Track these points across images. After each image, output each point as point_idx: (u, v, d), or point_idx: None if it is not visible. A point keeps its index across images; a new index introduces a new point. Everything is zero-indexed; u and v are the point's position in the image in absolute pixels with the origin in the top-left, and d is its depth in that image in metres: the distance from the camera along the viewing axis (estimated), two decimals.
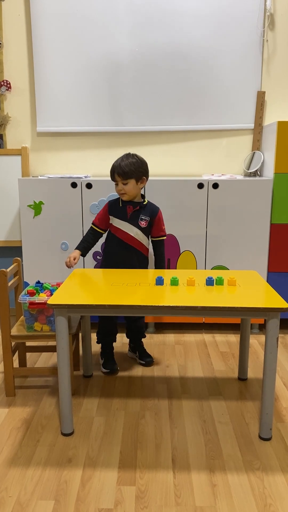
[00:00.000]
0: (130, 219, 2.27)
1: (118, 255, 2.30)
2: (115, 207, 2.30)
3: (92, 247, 2.36)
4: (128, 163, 2.19)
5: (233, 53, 2.95)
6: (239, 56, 2.96)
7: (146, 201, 2.32)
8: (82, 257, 2.37)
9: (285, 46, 2.98)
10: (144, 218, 2.29)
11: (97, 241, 2.37)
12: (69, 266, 2.27)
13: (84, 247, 2.33)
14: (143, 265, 2.35)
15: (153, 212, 2.32)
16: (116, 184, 2.24)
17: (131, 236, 2.28)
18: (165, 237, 2.38)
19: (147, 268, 2.38)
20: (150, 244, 2.39)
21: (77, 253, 2.30)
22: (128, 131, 3.08)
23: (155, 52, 2.95)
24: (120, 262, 2.27)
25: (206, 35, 2.93)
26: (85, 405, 2.07)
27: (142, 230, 2.29)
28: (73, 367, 2.13)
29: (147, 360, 2.46)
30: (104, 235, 2.38)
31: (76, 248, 2.33)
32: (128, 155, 2.23)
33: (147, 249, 2.36)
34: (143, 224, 2.29)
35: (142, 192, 2.38)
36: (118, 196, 2.31)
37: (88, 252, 2.36)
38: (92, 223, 2.36)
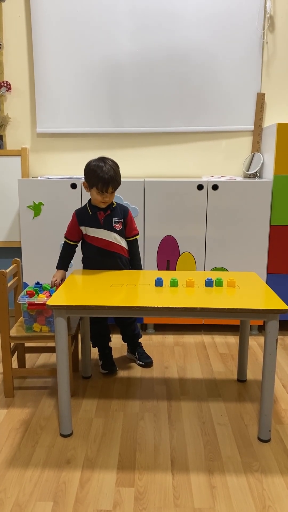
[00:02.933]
0: (104, 225, 2.22)
1: (101, 263, 2.24)
2: (84, 217, 2.24)
3: (72, 259, 2.33)
4: (118, 173, 2.14)
5: (233, 55, 2.96)
6: (239, 58, 2.96)
7: (115, 203, 2.27)
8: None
9: (285, 48, 2.98)
10: (117, 220, 2.24)
11: (74, 252, 2.33)
12: (54, 286, 2.23)
13: (65, 263, 2.31)
14: (127, 267, 2.32)
15: (124, 213, 2.28)
16: (101, 194, 2.14)
17: (110, 242, 2.23)
18: (138, 235, 2.35)
19: (130, 268, 2.35)
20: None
21: (61, 273, 2.28)
22: (128, 133, 3.08)
23: (155, 54, 2.96)
24: (105, 269, 2.23)
25: (206, 37, 2.93)
26: (84, 406, 2.07)
27: (118, 232, 2.25)
28: (72, 368, 2.13)
29: (146, 361, 2.45)
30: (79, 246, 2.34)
31: (58, 268, 2.29)
32: (109, 162, 2.14)
33: (127, 250, 2.32)
34: (118, 226, 2.24)
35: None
36: (84, 204, 2.28)
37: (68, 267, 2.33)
38: (65, 236, 2.30)
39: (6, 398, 2.13)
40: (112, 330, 2.61)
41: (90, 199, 2.25)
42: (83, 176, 2.21)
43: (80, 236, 2.29)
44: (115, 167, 2.15)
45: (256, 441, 1.81)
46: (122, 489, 1.54)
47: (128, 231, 2.30)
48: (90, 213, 2.23)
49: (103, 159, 2.15)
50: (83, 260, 2.35)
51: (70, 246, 2.31)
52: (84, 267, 2.34)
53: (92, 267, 2.27)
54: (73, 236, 2.28)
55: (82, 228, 2.25)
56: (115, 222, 2.24)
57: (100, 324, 2.38)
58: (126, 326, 2.42)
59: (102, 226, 2.22)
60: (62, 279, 2.26)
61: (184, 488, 1.55)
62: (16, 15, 2.97)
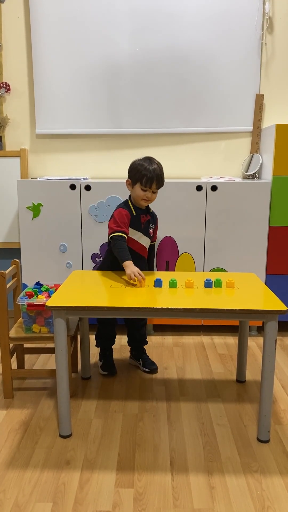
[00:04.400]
0: (143, 229, 2.22)
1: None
2: (132, 216, 2.17)
3: None
4: (163, 172, 2.13)
5: (232, 56, 2.96)
6: (238, 59, 2.97)
7: (151, 208, 2.29)
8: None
9: (283, 49, 2.99)
10: (152, 226, 2.27)
11: None
12: (140, 284, 1.96)
13: (130, 256, 2.09)
14: (147, 269, 2.33)
15: (156, 219, 2.31)
16: (144, 190, 2.12)
17: (143, 246, 2.23)
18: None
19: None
20: None
21: (132, 264, 2.03)
22: (127, 133, 3.08)
23: (154, 55, 2.96)
24: None
25: (205, 38, 2.94)
26: (83, 407, 2.07)
27: (151, 238, 2.27)
28: (71, 369, 2.13)
29: (151, 367, 2.40)
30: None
31: (128, 259, 2.04)
32: (155, 161, 2.14)
33: None
34: (151, 232, 2.26)
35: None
36: (124, 201, 2.22)
37: None
38: (121, 232, 2.10)
39: (6, 399, 2.13)
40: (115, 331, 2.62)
41: (130, 198, 2.22)
42: (127, 175, 2.17)
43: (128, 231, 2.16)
44: (161, 166, 2.15)
45: (255, 441, 1.82)
46: (121, 490, 1.54)
47: (154, 236, 2.32)
48: (134, 214, 2.19)
49: (150, 158, 2.17)
50: (106, 259, 2.26)
51: (125, 239, 2.11)
52: (105, 266, 2.25)
53: (117, 267, 2.15)
54: (127, 230, 2.14)
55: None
56: (151, 228, 2.26)
57: (109, 326, 2.37)
58: (136, 329, 2.41)
59: (141, 230, 2.21)
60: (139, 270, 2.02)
61: (183, 489, 1.55)
62: (15, 16, 2.97)
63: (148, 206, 2.27)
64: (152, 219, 2.29)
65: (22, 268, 2.83)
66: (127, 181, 2.20)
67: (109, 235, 2.16)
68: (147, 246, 2.28)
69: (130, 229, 2.17)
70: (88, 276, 2.19)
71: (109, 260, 2.24)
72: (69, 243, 2.81)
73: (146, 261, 2.32)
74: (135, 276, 1.95)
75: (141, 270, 2.07)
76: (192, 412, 2.03)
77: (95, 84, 3.01)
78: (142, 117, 3.04)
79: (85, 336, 2.31)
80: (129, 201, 2.23)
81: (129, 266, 2.01)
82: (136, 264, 2.06)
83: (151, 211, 2.29)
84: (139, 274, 1.95)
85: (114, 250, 2.10)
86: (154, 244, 2.38)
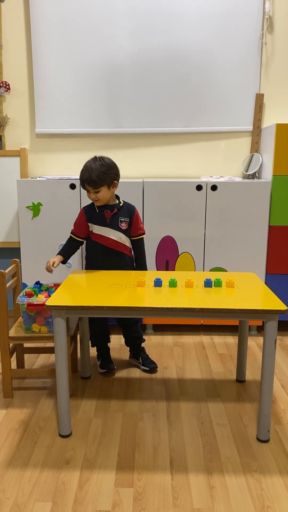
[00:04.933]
0: (110, 224, 2.23)
1: (105, 262, 2.24)
2: (92, 214, 2.24)
3: (72, 255, 2.32)
4: (97, 171, 2.11)
5: (232, 56, 2.96)
6: (238, 59, 2.97)
7: (122, 202, 2.28)
8: (63, 264, 2.30)
9: (283, 49, 2.99)
10: (123, 219, 2.25)
11: (78, 249, 2.32)
12: (49, 270, 2.20)
13: (66, 254, 2.28)
14: (131, 266, 2.33)
15: (130, 212, 2.28)
16: (88, 192, 2.18)
17: (115, 241, 2.24)
18: (144, 235, 2.35)
19: (134, 267, 2.35)
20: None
21: (58, 258, 2.24)
22: (127, 133, 3.08)
23: (154, 54, 2.96)
24: (108, 269, 2.22)
25: (205, 38, 2.94)
26: (83, 406, 2.07)
27: (124, 232, 2.26)
28: (71, 369, 2.13)
29: (151, 366, 2.41)
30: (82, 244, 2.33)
31: (58, 254, 2.27)
32: (95, 160, 2.15)
33: (131, 249, 2.33)
34: (123, 226, 2.25)
35: (116, 193, 2.30)
36: (92, 202, 2.27)
37: (68, 260, 2.32)
38: (72, 232, 2.29)
39: (5, 399, 2.13)
40: (112, 331, 2.62)
41: None
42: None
43: (87, 233, 2.28)
44: (98, 166, 2.12)
45: (255, 441, 1.82)
46: (121, 489, 1.54)
47: (133, 230, 2.30)
48: (97, 211, 2.24)
49: (93, 158, 2.18)
50: (86, 258, 2.35)
51: (77, 242, 2.30)
52: (87, 265, 2.34)
53: (95, 265, 2.27)
54: (81, 232, 2.27)
55: (89, 224, 2.25)
56: (121, 222, 2.25)
57: (100, 324, 2.37)
58: (128, 327, 2.41)
59: (108, 225, 2.23)
60: (56, 262, 2.22)
61: (183, 489, 1.55)
62: (15, 15, 2.97)
63: (118, 200, 2.27)
64: (122, 212, 2.25)
65: (21, 268, 2.83)
66: None
67: None
68: (123, 241, 2.26)
69: (95, 226, 2.24)
70: (88, 275, 2.19)
71: (89, 258, 2.34)
72: None
73: (127, 258, 2.30)
74: (50, 262, 2.19)
75: (118, 266, 2.24)
76: (192, 412, 2.03)
77: (95, 83, 3.00)
78: (142, 117, 3.04)
79: (85, 336, 2.31)
80: None
81: (53, 257, 2.25)
82: (112, 260, 2.25)
83: (121, 204, 2.27)
84: (51, 263, 2.19)
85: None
86: (140, 239, 2.33)
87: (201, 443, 1.80)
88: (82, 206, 2.75)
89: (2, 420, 1.96)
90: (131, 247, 2.33)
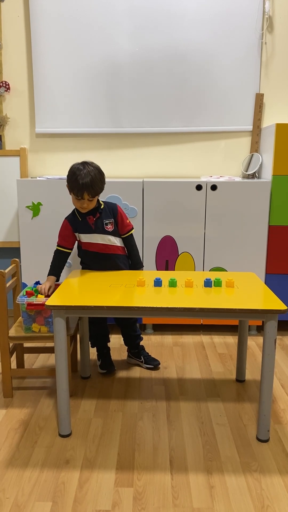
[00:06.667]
0: (96, 229, 2.20)
1: (100, 267, 2.23)
2: (76, 223, 2.20)
3: (63, 268, 2.26)
4: (95, 180, 2.06)
5: (231, 56, 2.96)
6: (238, 59, 2.96)
7: (102, 203, 2.24)
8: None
9: (283, 49, 2.99)
10: (108, 221, 2.21)
11: (66, 261, 2.28)
12: (46, 296, 2.11)
13: (56, 272, 2.22)
14: (127, 265, 2.32)
15: (113, 211, 2.24)
16: (78, 199, 2.11)
17: (105, 245, 2.22)
18: (133, 230, 2.31)
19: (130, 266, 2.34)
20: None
21: (52, 280, 2.18)
22: (127, 133, 3.08)
23: (154, 54, 2.96)
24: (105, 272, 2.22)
25: (205, 38, 2.94)
26: (83, 406, 2.07)
27: (112, 233, 2.23)
28: (71, 368, 2.13)
29: (154, 363, 2.41)
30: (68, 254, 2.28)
31: (50, 275, 2.21)
32: (88, 166, 2.07)
33: (123, 247, 2.31)
34: (110, 228, 2.22)
35: None
36: (72, 210, 2.23)
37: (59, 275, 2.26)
38: (58, 245, 2.23)
39: (5, 398, 2.13)
40: (112, 331, 2.62)
41: None
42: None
43: (74, 243, 2.26)
44: (95, 173, 2.07)
45: (255, 441, 1.82)
46: (121, 489, 1.54)
47: (120, 228, 2.26)
48: (80, 219, 2.20)
49: (84, 163, 2.10)
50: (81, 266, 2.34)
51: (64, 254, 2.24)
52: (83, 265, 2.34)
53: (91, 265, 2.27)
54: (68, 243, 2.23)
55: (76, 234, 2.23)
56: (106, 224, 2.21)
57: (99, 324, 2.37)
58: (126, 327, 2.41)
59: (94, 231, 2.20)
60: (52, 287, 2.16)
61: (183, 488, 1.55)
62: (15, 15, 2.97)
63: (98, 202, 2.21)
64: (105, 213, 2.22)
65: (21, 267, 2.83)
66: (67, 185, 2.17)
67: None
68: (113, 242, 2.24)
69: (82, 235, 2.21)
70: (88, 275, 2.19)
71: (84, 266, 2.33)
72: None
73: (121, 258, 2.28)
74: (42, 290, 2.13)
75: (115, 267, 2.23)
76: (192, 412, 2.03)
77: (95, 83, 3.00)
78: (142, 117, 3.04)
79: (85, 336, 2.31)
80: (75, 208, 2.23)
81: (47, 280, 2.19)
82: (102, 264, 2.23)
83: (102, 206, 2.22)
84: (46, 290, 2.12)
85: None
86: (128, 236, 2.30)
87: (201, 443, 1.80)
88: None
89: (2, 419, 1.96)
90: (123, 245, 2.30)
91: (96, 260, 2.24)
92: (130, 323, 2.41)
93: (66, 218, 2.26)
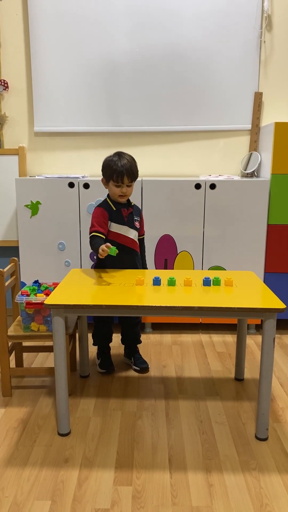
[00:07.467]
0: (128, 222, 2.23)
1: (120, 261, 2.19)
2: (111, 212, 2.20)
3: None
4: (133, 164, 2.14)
5: (230, 54, 2.96)
6: (237, 57, 2.96)
7: (133, 202, 2.30)
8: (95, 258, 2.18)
9: (282, 47, 2.99)
10: (136, 219, 2.28)
11: None
12: (104, 254, 1.99)
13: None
14: (140, 264, 2.34)
15: (139, 212, 2.33)
16: (118, 186, 2.15)
17: (131, 239, 2.24)
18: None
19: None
20: None
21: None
22: (126, 131, 3.08)
23: (153, 52, 2.95)
24: (125, 268, 2.20)
25: (204, 36, 2.93)
26: (81, 405, 2.07)
27: (137, 230, 2.29)
28: (70, 367, 2.13)
29: (142, 366, 2.39)
30: None
31: (100, 244, 2.04)
32: (125, 155, 2.17)
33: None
34: (137, 224, 2.28)
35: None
36: (103, 200, 2.24)
37: None
38: (95, 231, 2.14)
39: (4, 397, 2.13)
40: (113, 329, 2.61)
41: (108, 196, 2.25)
42: (101, 173, 2.20)
43: (107, 231, 2.19)
44: (131, 160, 2.16)
45: (254, 439, 1.82)
46: (120, 487, 1.55)
47: (141, 230, 2.34)
48: (114, 209, 2.21)
49: (119, 153, 2.18)
50: (98, 258, 2.25)
51: (103, 240, 2.13)
52: (98, 264, 2.26)
53: (109, 264, 2.19)
54: (105, 229, 2.17)
55: (109, 223, 2.20)
56: (135, 220, 2.27)
57: (106, 324, 2.36)
58: (130, 328, 2.41)
59: (126, 223, 2.22)
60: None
61: (181, 487, 1.55)
62: (14, 13, 2.96)
63: (129, 199, 2.27)
64: (135, 211, 2.29)
65: (20, 266, 2.83)
66: (102, 179, 2.22)
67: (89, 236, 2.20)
68: (135, 239, 2.28)
69: (114, 224, 2.20)
70: (87, 274, 2.19)
71: (99, 260, 2.25)
72: (68, 241, 2.81)
73: (138, 256, 2.32)
74: (103, 250, 1.98)
75: (134, 265, 2.24)
76: (191, 410, 2.03)
77: (93, 82, 3.00)
78: (140, 115, 3.04)
79: (84, 334, 2.31)
80: (107, 198, 2.25)
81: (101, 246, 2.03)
82: (128, 259, 2.23)
83: (132, 204, 2.29)
84: (106, 247, 1.98)
85: (92, 248, 2.15)
86: (143, 238, 2.37)
87: (200, 442, 1.80)
88: (81, 205, 2.76)
89: (1, 418, 1.96)
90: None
91: (121, 253, 2.15)
92: (133, 324, 2.40)
93: (99, 206, 2.22)
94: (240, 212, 2.75)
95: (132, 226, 2.25)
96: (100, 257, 2.02)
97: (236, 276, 2.10)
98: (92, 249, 2.16)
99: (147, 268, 2.41)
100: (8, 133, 3.11)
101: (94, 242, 2.12)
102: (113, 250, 1.98)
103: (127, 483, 1.57)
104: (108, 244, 2.00)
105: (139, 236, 2.33)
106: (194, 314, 1.77)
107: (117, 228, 2.21)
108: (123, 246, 2.21)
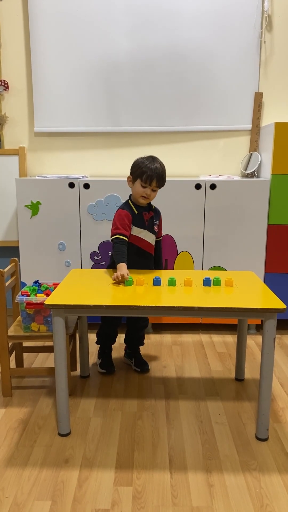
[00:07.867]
0: (148, 226, 2.22)
1: (136, 263, 2.17)
2: (133, 215, 2.17)
3: None
4: (164, 172, 2.14)
5: (231, 54, 2.96)
6: (237, 57, 2.96)
7: (153, 205, 2.29)
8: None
9: (282, 48, 2.99)
10: (156, 223, 2.27)
11: None
12: (117, 281, 1.98)
13: (125, 259, 2.08)
14: (153, 268, 2.33)
15: (159, 216, 2.31)
16: (144, 187, 2.12)
17: (149, 243, 2.23)
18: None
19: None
20: None
21: (124, 267, 2.04)
22: (126, 132, 3.08)
23: (153, 53, 2.95)
24: (138, 269, 2.18)
25: (204, 36, 2.93)
26: (82, 405, 2.07)
27: (155, 234, 2.27)
28: (70, 368, 2.13)
29: (142, 367, 2.39)
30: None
31: (122, 262, 2.06)
32: (158, 160, 2.15)
33: None
34: (156, 229, 2.27)
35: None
36: (124, 202, 2.23)
37: None
38: (119, 234, 2.11)
39: (4, 398, 2.13)
40: None
41: (130, 197, 2.23)
42: (127, 172, 2.19)
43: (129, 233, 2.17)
44: (163, 167, 2.16)
45: (254, 440, 1.82)
46: (120, 488, 1.55)
47: (159, 232, 2.32)
48: (137, 212, 2.20)
49: (153, 157, 2.17)
50: (113, 258, 2.26)
51: (125, 242, 2.13)
52: (112, 264, 2.24)
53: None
54: (128, 232, 2.15)
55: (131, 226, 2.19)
56: (155, 225, 2.26)
57: (113, 326, 2.36)
58: (136, 330, 2.41)
59: (146, 227, 2.21)
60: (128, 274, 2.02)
61: (182, 487, 1.55)
62: (14, 14, 2.96)
63: (150, 203, 2.26)
64: (156, 215, 2.28)
65: (20, 267, 2.83)
66: (128, 177, 2.20)
67: (111, 237, 2.16)
68: (153, 243, 2.27)
69: (134, 227, 2.18)
70: (87, 274, 2.19)
71: (114, 261, 2.22)
72: (68, 241, 2.81)
73: (152, 259, 2.31)
74: (118, 278, 1.95)
75: (147, 267, 2.21)
76: (191, 411, 2.03)
77: (93, 82, 3.00)
78: (140, 115, 3.04)
79: (84, 335, 2.31)
80: (129, 201, 2.23)
81: (121, 268, 2.03)
82: (143, 262, 2.21)
83: (153, 207, 2.28)
84: (123, 277, 1.95)
85: (113, 253, 2.14)
86: (160, 240, 2.36)
87: (200, 442, 1.80)
88: (81, 205, 2.76)
89: (1, 419, 1.96)
90: None
91: (136, 256, 2.18)
92: (140, 327, 2.40)
93: (122, 208, 2.19)
94: (240, 212, 2.75)
95: (152, 231, 2.24)
96: (114, 279, 1.98)
97: (237, 276, 2.10)
98: (113, 253, 2.14)
99: (163, 269, 2.38)
100: (8, 133, 3.11)
101: (119, 251, 2.08)
102: (128, 283, 1.96)
103: (127, 483, 1.57)
104: (127, 275, 1.97)
105: (156, 238, 2.31)
106: (194, 314, 1.77)
107: (137, 232, 2.20)
108: (139, 249, 2.21)
